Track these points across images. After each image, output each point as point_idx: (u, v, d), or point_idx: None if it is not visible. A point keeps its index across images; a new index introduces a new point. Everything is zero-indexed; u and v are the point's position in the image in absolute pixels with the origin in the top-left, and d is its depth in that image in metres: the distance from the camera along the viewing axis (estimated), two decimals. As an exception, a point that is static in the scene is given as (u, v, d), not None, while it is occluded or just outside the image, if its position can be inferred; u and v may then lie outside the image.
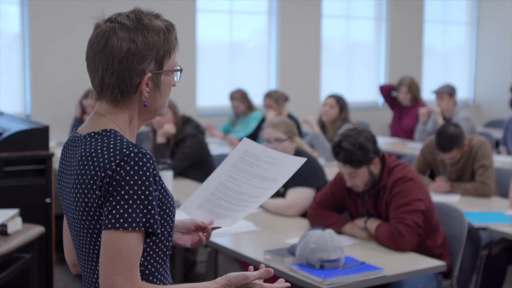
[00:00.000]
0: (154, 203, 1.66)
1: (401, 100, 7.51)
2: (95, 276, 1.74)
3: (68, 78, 7.12)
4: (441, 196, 4.56)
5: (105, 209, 1.65)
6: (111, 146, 1.68)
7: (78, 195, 1.71)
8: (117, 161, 1.64)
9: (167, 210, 1.74)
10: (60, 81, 7.12)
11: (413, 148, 6.68)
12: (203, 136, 5.36)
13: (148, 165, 1.66)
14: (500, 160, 6.02)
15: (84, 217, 1.71)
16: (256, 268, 1.85)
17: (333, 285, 2.87)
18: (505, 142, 6.98)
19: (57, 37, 7.09)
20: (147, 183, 1.64)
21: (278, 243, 3.40)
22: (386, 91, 7.75)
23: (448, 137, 4.62)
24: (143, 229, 1.64)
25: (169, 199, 1.75)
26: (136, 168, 1.64)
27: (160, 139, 5.21)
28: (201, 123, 5.68)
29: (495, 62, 10.49)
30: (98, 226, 1.69)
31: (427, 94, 8.82)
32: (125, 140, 1.71)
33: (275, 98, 7.12)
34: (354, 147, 3.56)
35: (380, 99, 9.33)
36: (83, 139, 1.76)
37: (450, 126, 4.72)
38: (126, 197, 1.63)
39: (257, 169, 2.01)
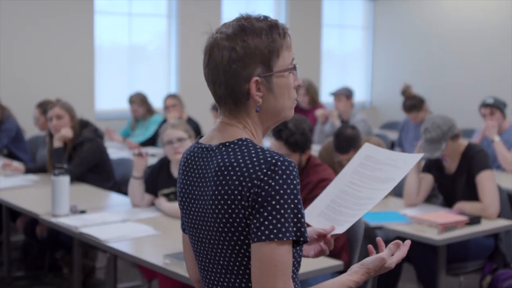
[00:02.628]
0: (302, 211, 1.63)
1: (299, 103, 7.60)
2: None
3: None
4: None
5: (254, 220, 1.60)
6: (253, 155, 1.64)
7: (219, 207, 1.65)
8: (265, 170, 1.60)
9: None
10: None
11: (311, 149, 6.77)
12: (101, 140, 5.27)
13: (294, 172, 1.62)
14: (395, 161, 6.18)
15: (226, 229, 1.65)
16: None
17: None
18: (400, 143, 7.18)
19: None
20: (295, 191, 1.61)
21: (178, 247, 3.38)
22: (286, 94, 7.83)
23: (345, 139, 4.71)
24: (294, 238, 1.60)
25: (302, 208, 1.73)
26: (284, 176, 1.60)
27: (57, 143, 5.09)
28: (100, 127, 5.58)
29: (390, 65, 10.79)
30: (242, 237, 1.64)
31: (326, 96, 8.97)
32: (264, 148, 1.67)
33: (178, 98, 7.12)
34: (298, 130, 3.69)
35: (280, 102, 9.43)
36: (216, 150, 1.71)
37: (347, 128, 4.81)
38: (278, 207, 1.58)
39: (378, 173, 1.98)
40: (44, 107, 5.88)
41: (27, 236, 5.20)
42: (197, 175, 1.75)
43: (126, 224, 3.83)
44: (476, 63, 9.61)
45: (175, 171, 4.28)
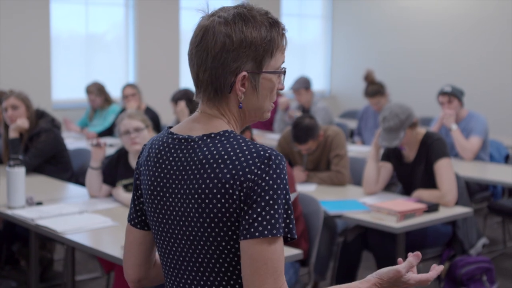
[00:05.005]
0: (291, 206, 1.57)
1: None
2: (213, 287, 1.62)
3: None
4: (298, 186, 4.64)
5: (246, 216, 1.54)
6: (244, 148, 1.57)
7: (207, 201, 1.57)
8: (258, 164, 1.54)
9: None
10: None
11: (272, 139, 6.78)
12: (58, 131, 5.19)
13: (285, 167, 1.57)
14: (355, 150, 6.22)
15: (213, 224, 1.57)
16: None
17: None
18: (359, 132, 7.21)
19: None
20: (286, 186, 1.56)
21: (136, 237, 3.34)
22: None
23: (303, 129, 4.72)
24: (283, 235, 1.55)
25: None
26: (278, 171, 1.54)
27: (13, 134, 5.00)
28: (57, 117, 5.50)
29: (349, 54, 10.83)
30: (230, 233, 1.57)
31: (286, 85, 8.94)
32: (253, 141, 1.59)
33: (137, 88, 7.05)
34: None
35: (239, 91, 9.39)
36: (199, 141, 1.62)
37: (305, 118, 4.81)
38: (271, 202, 1.53)
39: None
40: (-2, 97, 5.77)
41: (-17, 229, 5.11)
42: (174, 167, 1.64)
43: (84, 216, 3.78)
44: (434, 52, 9.69)
45: (133, 161, 4.23)
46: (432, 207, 4.04)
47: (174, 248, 1.67)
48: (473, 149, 5.69)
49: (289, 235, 1.56)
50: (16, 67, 7.57)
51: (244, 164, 1.55)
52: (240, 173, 1.54)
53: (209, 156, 1.59)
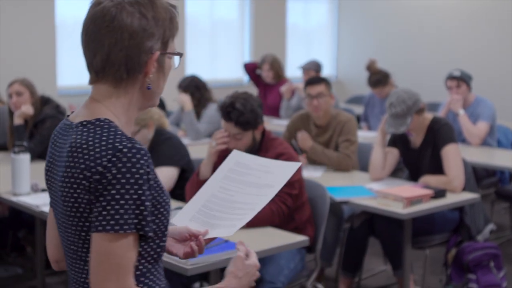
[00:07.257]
0: (147, 203, 1.53)
1: (264, 78, 7.56)
2: (84, 275, 1.61)
3: None
4: (304, 171, 4.61)
5: (94, 209, 1.52)
6: (103, 138, 1.53)
7: (67, 190, 1.57)
8: (109, 156, 1.51)
9: (162, 209, 1.60)
10: None
11: (278, 124, 6.74)
12: (63, 117, 5.16)
13: (142, 161, 1.52)
14: (361, 135, 6.17)
15: (72, 213, 1.58)
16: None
17: (197, 265, 2.84)
18: (365, 118, 7.18)
19: None
20: (140, 181, 1.51)
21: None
22: (250, 69, 7.77)
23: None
24: (134, 231, 1.51)
25: (164, 198, 1.62)
26: (129, 165, 1.50)
27: (17, 121, 4.99)
28: (62, 103, 5.48)
29: (356, 39, 10.77)
30: (87, 224, 1.56)
31: (292, 71, 8.91)
32: (119, 132, 1.56)
33: None
34: (246, 109, 3.66)
35: (245, 77, 9.37)
36: (74, 128, 1.61)
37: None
38: (117, 197, 1.49)
39: (250, 178, 1.93)
40: None
41: (-12, 216, 5.11)
42: (57, 154, 1.66)
43: (89, 202, 3.76)
44: (440, 37, 9.62)
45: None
46: (439, 193, 4.02)
47: (60, 232, 1.69)
48: (481, 135, 5.66)
49: (141, 232, 1.53)
50: (21, 54, 7.54)
51: (97, 155, 1.52)
52: (92, 164, 1.52)
53: (73, 145, 1.58)
